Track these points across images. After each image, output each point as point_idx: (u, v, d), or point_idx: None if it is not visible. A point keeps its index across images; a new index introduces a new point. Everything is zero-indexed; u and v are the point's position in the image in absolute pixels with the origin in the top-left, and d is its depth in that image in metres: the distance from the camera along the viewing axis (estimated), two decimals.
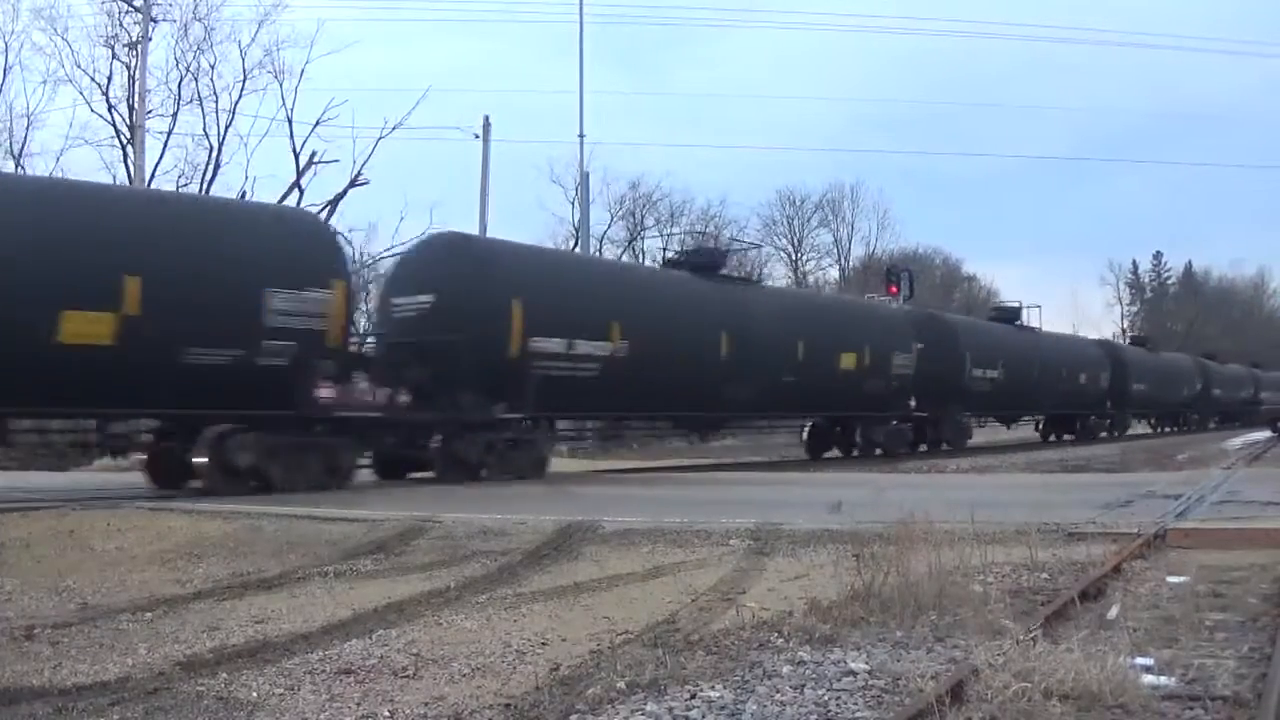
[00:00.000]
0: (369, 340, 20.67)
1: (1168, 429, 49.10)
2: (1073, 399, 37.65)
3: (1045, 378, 34.70)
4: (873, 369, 25.23)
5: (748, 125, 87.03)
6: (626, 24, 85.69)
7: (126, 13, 32.87)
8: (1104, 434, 40.55)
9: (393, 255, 28.36)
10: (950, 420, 30.25)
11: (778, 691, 5.04)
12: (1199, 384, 50.46)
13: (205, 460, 14.54)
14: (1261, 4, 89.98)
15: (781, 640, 6.07)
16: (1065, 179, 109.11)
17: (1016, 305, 38.02)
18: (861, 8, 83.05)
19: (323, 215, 31.42)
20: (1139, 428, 47.04)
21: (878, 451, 27.10)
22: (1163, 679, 5.00)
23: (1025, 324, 36.27)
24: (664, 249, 31.91)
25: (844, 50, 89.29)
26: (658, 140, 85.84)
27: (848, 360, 24.45)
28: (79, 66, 34.45)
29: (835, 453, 27.44)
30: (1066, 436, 39.10)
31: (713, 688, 5.09)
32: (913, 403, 27.62)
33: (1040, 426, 39.98)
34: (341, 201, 36.09)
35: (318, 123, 35.86)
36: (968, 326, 33.39)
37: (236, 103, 36.04)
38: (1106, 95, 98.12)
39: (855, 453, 27.08)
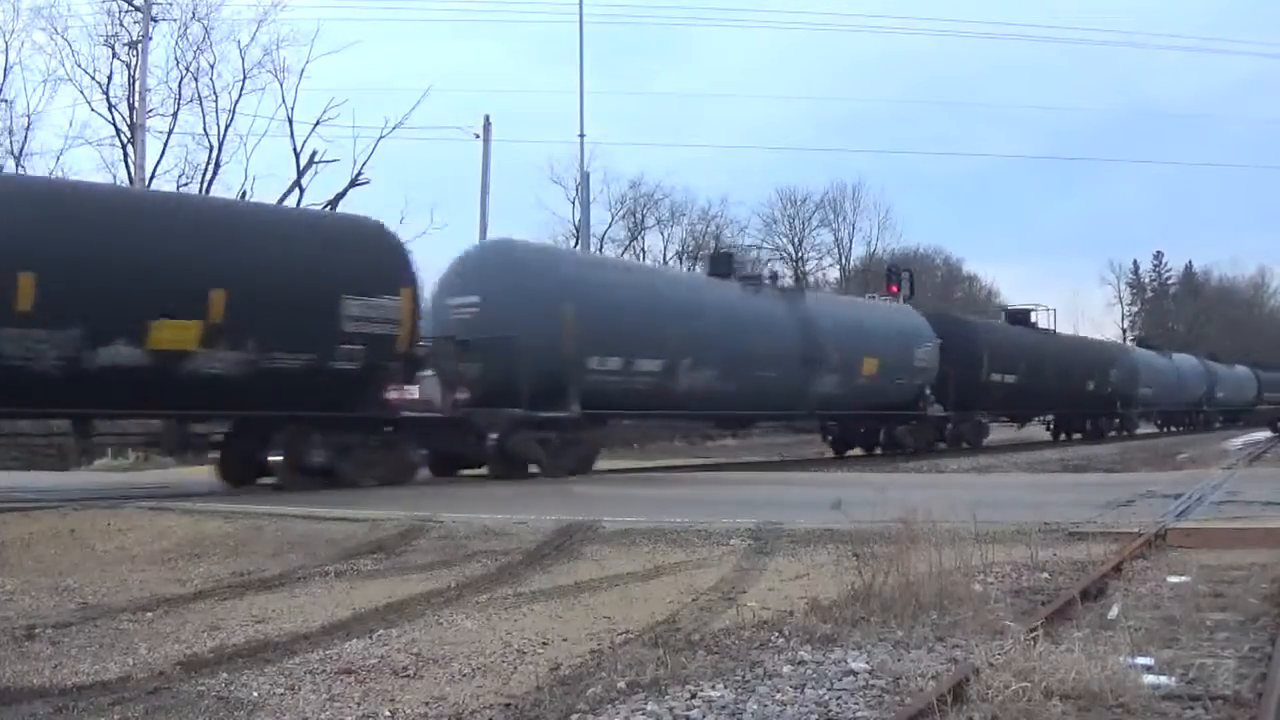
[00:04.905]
0: None
1: (1229, 426, 56.47)
2: (1187, 404, 52.55)
3: (1179, 391, 49.52)
4: (1099, 385, 40.07)
5: (748, 125, 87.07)
6: (624, 25, 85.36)
7: (126, 12, 32.90)
8: (1196, 429, 51.98)
9: None
10: (1130, 417, 44.34)
11: (778, 691, 5.03)
12: (1256, 390, 62.06)
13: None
14: (1244, 2, 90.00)
15: (782, 640, 6.06)
16: (1065, 179, 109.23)
17: (1157, 341, 53.60)
18: (855, 7, 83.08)
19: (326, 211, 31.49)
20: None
21: (1110, 434, 41.73)
22: (1163, 679, 4.99)
23: (1164, 350, 52.14)
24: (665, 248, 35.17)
25: (843, 51, 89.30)
26: (656, 140, 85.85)
27: (1090, 379, 39.38)
28: (79, 66, 34.44)
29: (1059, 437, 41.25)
30: (1175, 429, 51.13)
31: (713, 687, 5.08)
32: (1119, 404, 42.36)
33: (1159, 423, 51.49)
34: (342, 201, 36.17)
35: (318, 122, 35.94)
36: (1145, 360, 46.62)
37: (236, 102, 36.07)
38: (1103, 95, 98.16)
39: (1081, 436, 41.02)
